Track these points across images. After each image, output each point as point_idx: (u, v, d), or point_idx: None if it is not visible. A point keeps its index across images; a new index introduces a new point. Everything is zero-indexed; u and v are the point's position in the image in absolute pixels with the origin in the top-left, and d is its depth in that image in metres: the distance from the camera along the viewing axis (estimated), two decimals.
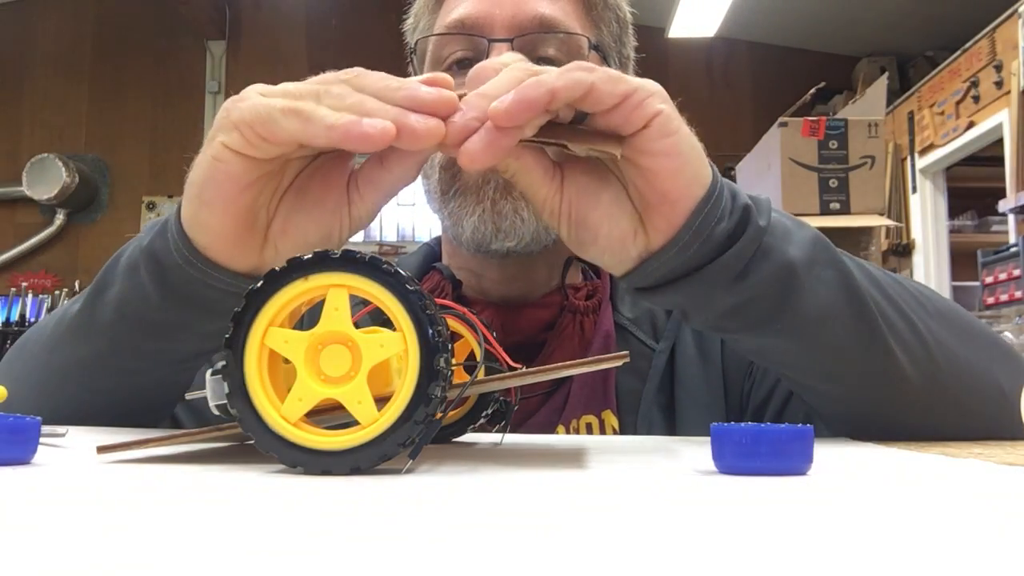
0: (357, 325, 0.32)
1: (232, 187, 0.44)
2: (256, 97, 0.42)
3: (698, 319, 0.49)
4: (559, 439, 0.57)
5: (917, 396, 0.51)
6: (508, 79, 0.41)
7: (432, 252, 0.77)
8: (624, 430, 0.65)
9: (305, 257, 0.32)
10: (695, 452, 0.43)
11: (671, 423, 0.66)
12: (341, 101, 0.41)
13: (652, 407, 0.65)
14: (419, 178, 0.69)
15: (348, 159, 0.47)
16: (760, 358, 0.55)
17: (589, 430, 0.64)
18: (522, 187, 0.46)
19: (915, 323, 0.51)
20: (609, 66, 0.67)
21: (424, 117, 0.40)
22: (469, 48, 0.66)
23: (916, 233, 4.24)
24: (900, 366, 0.50)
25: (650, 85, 0.43)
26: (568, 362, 0.36)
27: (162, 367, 0.54)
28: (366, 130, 0.39)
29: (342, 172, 0.47)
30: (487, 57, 0.63)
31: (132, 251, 0.50)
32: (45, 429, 0.36)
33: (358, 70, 0.43)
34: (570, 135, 0.43)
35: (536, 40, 0.63)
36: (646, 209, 0.45)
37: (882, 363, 0.49)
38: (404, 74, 0.41)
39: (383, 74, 0.42)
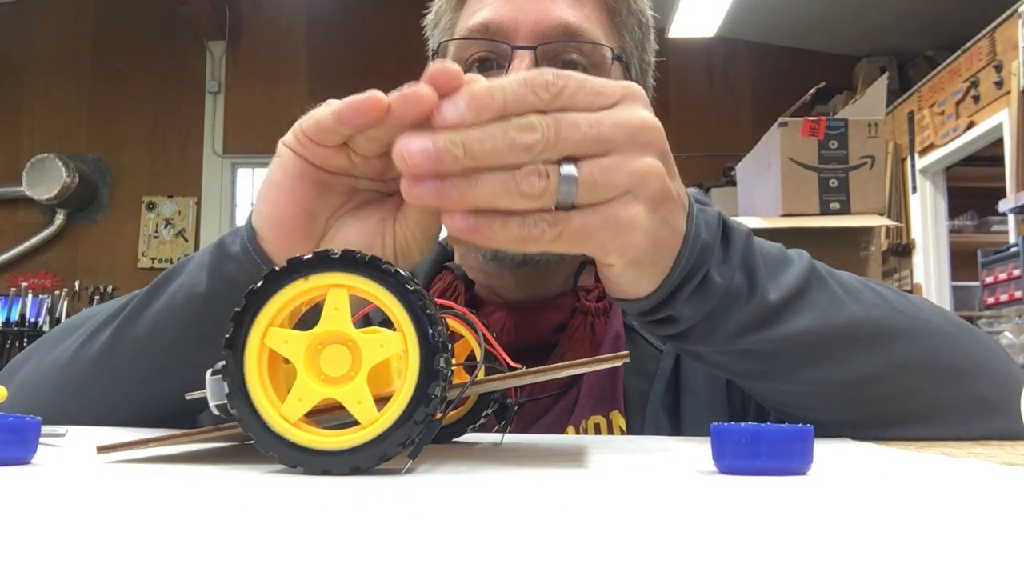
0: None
1: (285, 179, 0.46)
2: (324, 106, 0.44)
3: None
4: (559, 439, 0.57)
5: (896, 411, 0.53)
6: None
7: (444, 251, 0.77)
8: (631, 431, 0.65)
9: (305, 257, 0.32)
10: (695, 452, 0.43)
11: (677, 424, 0.66)
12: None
13: (659, 408, 0.66)
14: None
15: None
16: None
17: (597, 430, 0.65)
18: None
19: (886, 345, 0.52)
20: (630, 74, 0.68)
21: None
22: (491, 50, 0.65)
23: (916, 233, 4.24)
24: (874, 390, 0.51)
25: (644, 168, 0.40)
26: (568, 362, 0.36)
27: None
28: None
29: (395, 204, 0.47)
30: (509, 63, 0.63)
31: (200, 255, 0.53)
32: (45, 429, 0.36)
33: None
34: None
35: (559, 48, 0.63)
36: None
37: (855, 391, 0.51)
38: (418, 74, 0.40)
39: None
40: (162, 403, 0.56)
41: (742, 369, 0.52)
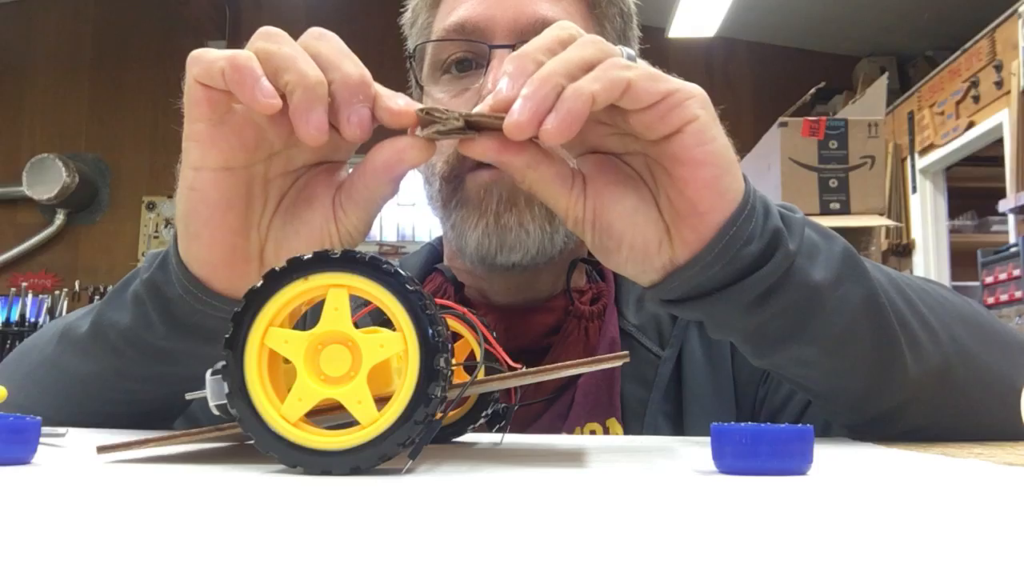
0: (357, 325, 0.32)
1: (213, 213, 0.44)
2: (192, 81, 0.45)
3: (717, 334, 0.48)
4: (559, 439, 0.57)
5: (934, 401, 0.51)
6: (545, 87, 0.39)
7: (435, 252, 0.76)
8: None
9: (305, 257, 0.32)
10: (695, 452, 0.43)
11: (678, 431, 0.65)
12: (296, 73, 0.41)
13: (658, 415, 0.65)
14: (422, 181, 0.69)
15: (333, 175, 0.47)
16: (774, 370, 0.54)
17: None
18: (542, 197, 0.45)
19: (936, 331, 0.50)
20: None
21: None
22: (469, 50, 0.65)
23: (916, 233, 4.24)
24: (917, 376, 0.49)
25: (690, 88, 0.42)
26: (567, 362, 0.36)
27: (166, 387, 0.54)
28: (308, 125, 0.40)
29: (327, 188, 0.46)
30: (488, 62, 0.62)
31: (136, 284, 0.51)
32: (45, 429, 0.36)
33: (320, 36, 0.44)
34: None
35: None
36: (674, 219, 0.43)
37: (900, 376, 0.49)
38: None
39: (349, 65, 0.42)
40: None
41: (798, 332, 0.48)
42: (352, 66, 0.42)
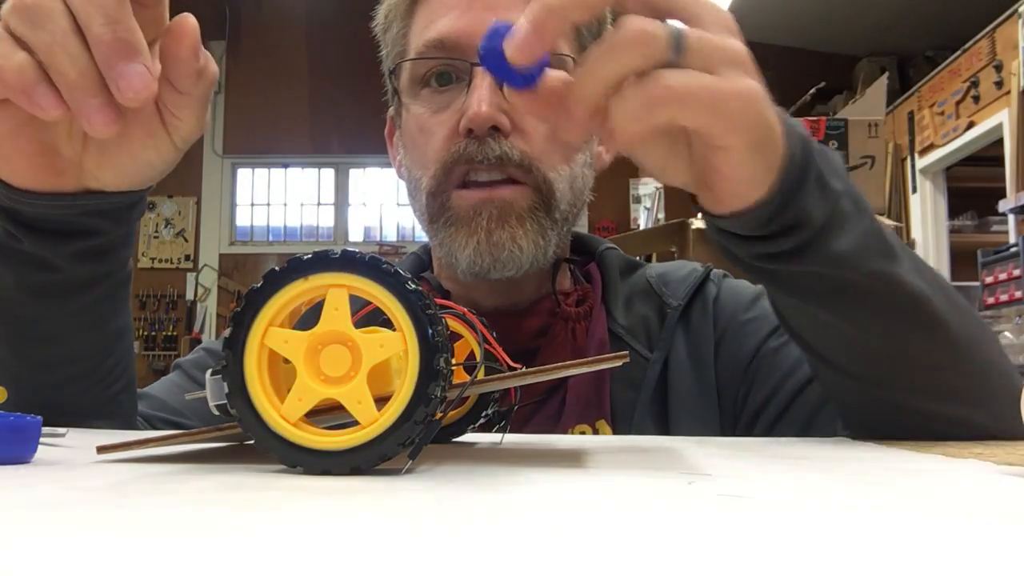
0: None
1: (14, 139, 0.45)
2: None
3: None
4: (559, 439, 0.57)
5: (955, 388, 0.50)
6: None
7: (420, 262, 0.76)
8: None
9: (305, 257, 0.32)
10: (695, 453, 0.43)
11: (664, 432, 0.65)
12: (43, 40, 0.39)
13: (645, 417, 0.65)
14: (406, 193, 0.69)
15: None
16: (817, 329, 0.52)
17: None
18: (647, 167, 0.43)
19: (964, 315, 0.50)
20: None
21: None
22: (449, 65, 0.64)
23: (916, 233, 4.24)
24: (948, 360, 0.49)
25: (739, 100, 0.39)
26: (567, 362, 0.36)
27: (65, 307, 0.53)
28: (39, 102, 0.39)
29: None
30: (470, 79, 0.62)
31: None
32: (45, 429, 0.36)
33: None
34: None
35: None
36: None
37: (940, 355, 0.49)
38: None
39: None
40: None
41: (831, 306, 0.48)
42: (101, 23, 0.39)
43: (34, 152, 0.45)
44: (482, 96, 0.61)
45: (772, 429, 0.64)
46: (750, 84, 0.39)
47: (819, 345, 0.51)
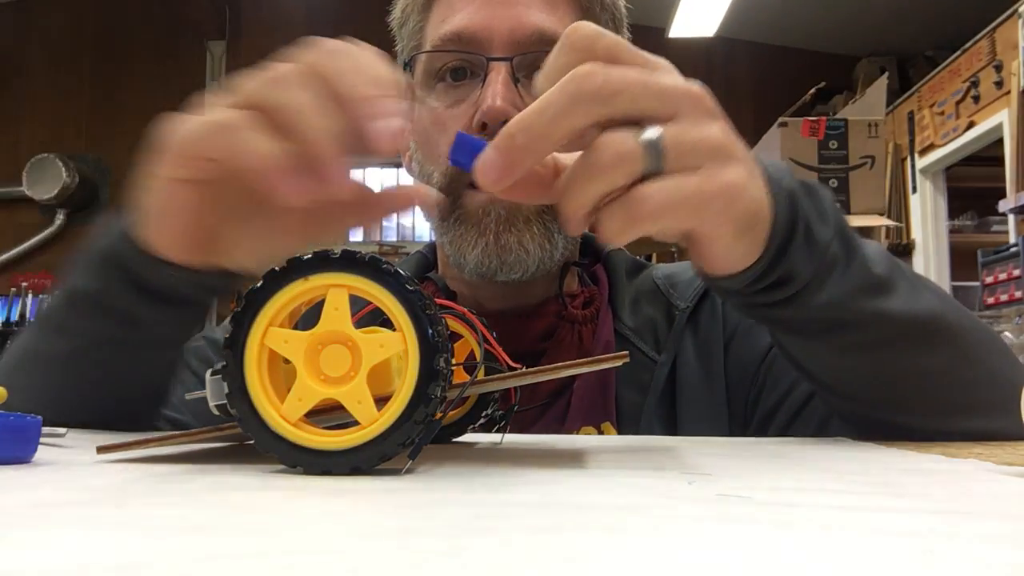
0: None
1: (187, 218, 0.44)
2: (192, 122, 0.40)
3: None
4: (559, 439, 0.57)
5: (960, 405, 0.51)
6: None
7: (426, 260, 0.76)
8: None
9: (305, 257, 0.32)
10: (695, 453, 0.43)
11: (671, 435, 0.64)
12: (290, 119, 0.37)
13: (653, 419, 0.64)
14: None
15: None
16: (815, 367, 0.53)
17: None
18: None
19: (968, 330, 0.51)
20: None
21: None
22: (465, 60, 0.64)
23: (916, 233, 4.24)
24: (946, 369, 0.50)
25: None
26: (568, 362, 0.36)
27: (139, 357, 0.53)
28: (289, 188, 0.36)
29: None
30: (485, 74, 0.62)
31: (95, 254, 0.51)
32: (45, 429, 0.36)
33: (337, 52, 0.37)
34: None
35: (536, 58, 0.61)
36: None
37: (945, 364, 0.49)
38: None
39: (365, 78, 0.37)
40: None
41: (832, 344, 0.49)
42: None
43: (197, 227, 0.44)
44: (497, 91, 0.61)
45: (785, 434, 0.63)
46: (733, 176, 0.39)
47: (818, 374, 0.53)
